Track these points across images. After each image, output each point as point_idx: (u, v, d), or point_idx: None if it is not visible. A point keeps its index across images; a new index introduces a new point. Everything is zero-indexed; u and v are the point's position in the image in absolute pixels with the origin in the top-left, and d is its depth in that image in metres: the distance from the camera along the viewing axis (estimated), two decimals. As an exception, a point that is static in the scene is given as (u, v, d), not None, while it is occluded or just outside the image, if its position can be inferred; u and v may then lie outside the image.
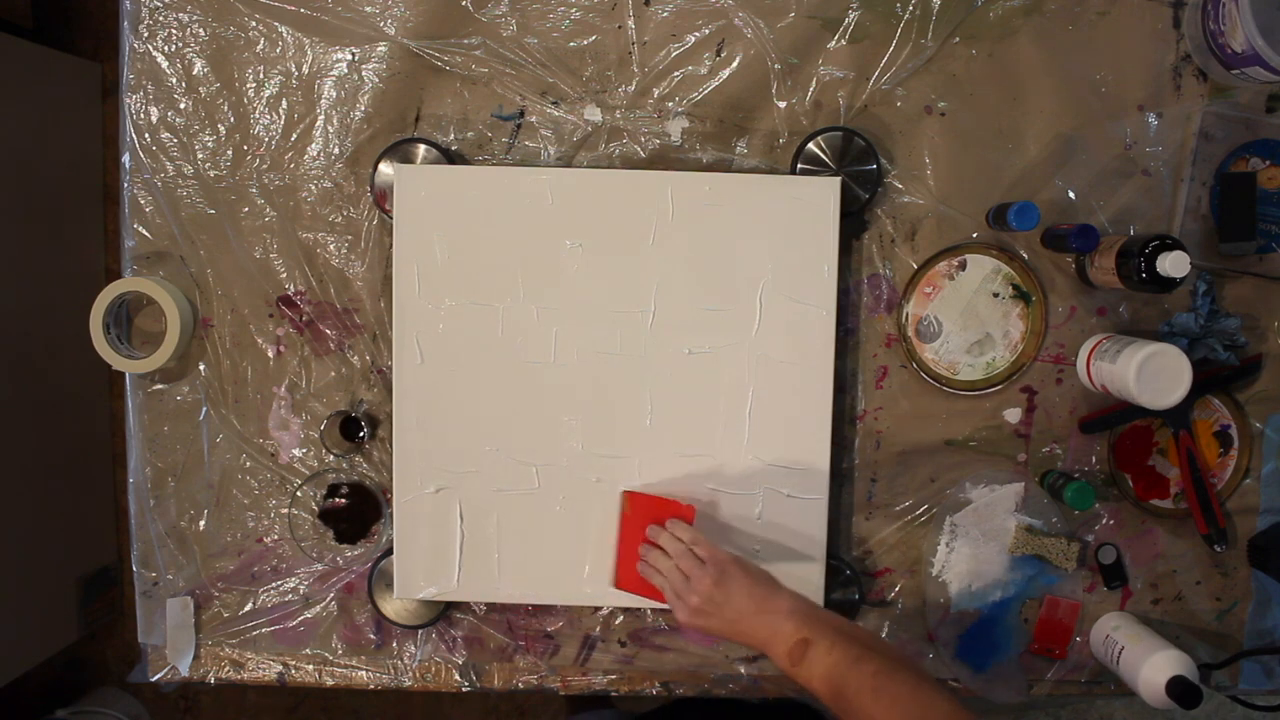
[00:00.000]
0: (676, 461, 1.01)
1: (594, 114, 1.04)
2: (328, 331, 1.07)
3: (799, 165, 1.01)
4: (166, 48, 1.06)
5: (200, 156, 1.07)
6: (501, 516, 1.03)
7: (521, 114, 1.05)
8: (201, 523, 1.10)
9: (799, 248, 0.99)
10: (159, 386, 1.09)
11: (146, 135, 1.06)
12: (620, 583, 0.99)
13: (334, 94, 1.05)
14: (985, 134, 1.03)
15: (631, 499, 0.99)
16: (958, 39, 1.02)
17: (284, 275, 1.07)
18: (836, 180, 0.99)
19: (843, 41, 1.02)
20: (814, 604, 0.88)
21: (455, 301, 1.01)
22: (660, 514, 0.97)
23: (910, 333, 1.04)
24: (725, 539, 1.02)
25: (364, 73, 1.05)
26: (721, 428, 1.01)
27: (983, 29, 1.02)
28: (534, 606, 1.08)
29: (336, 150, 1.06)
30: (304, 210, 1.06)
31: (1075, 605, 1.07)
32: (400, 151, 1.03)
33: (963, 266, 1.03)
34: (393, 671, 1.11)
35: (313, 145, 1.06)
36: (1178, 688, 0.94)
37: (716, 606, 0.88)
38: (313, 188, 1.06)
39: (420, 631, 1.10)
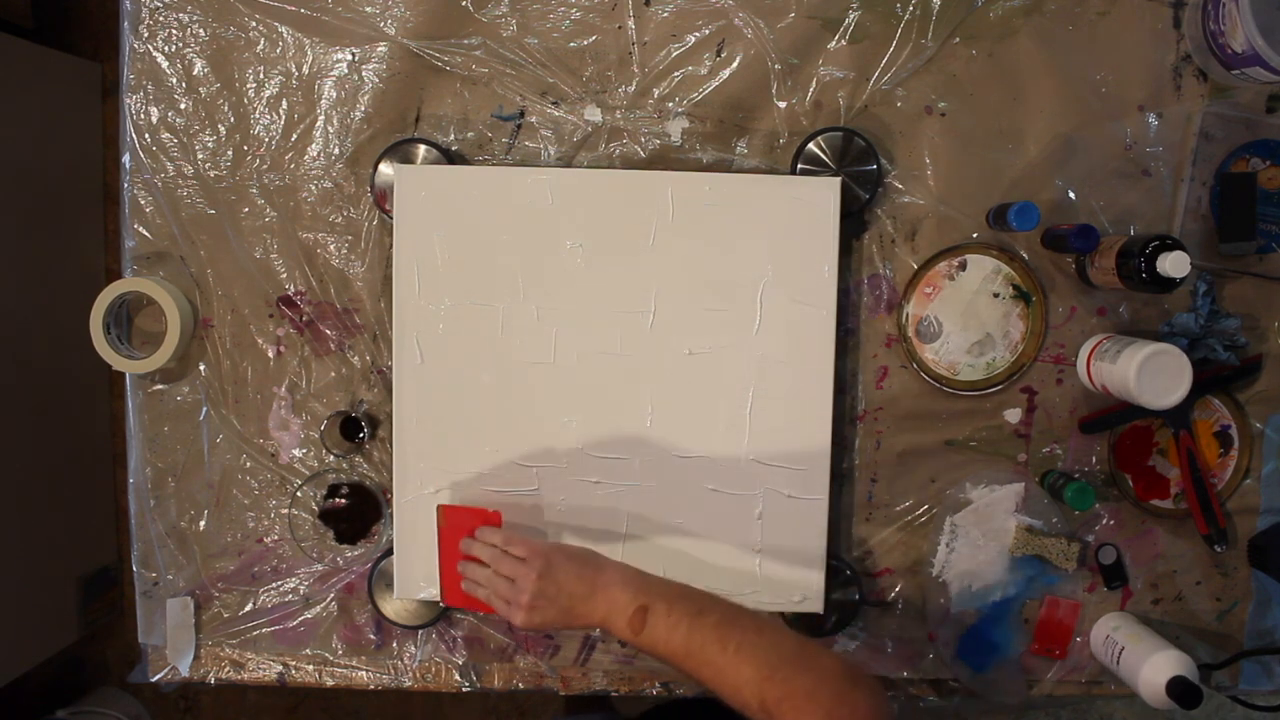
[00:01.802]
0: (677, 462, 1.01)
1: (594, 114, 1.04)
2: (328, 331, 1.07)
3: (799, 165, 1.01)
4: (166, 48, 1.06)
5: (200, 156, 1.07)
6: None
7: (521, 114, 1.05)
8: (201, 523, 1.10)
9: (799, 248, 0.99)
10: (159, 386, 1.10)
11: (146, 135, 1.06)
12: (448, 599, 0.99)
13: (334, 94, 1.05)
14: (985, 134, 1.03)
15: (444, 512, 0.98)
16: (958, 39, 1.02)
17: (284, 275, 1.07)
18: (837, 180, 0.99)
19: (843, 41, 1.02)
20: (644, 572, 0.86)
21: (455, 301, 1.01)
22: (471, 524, 0.96)
23: (910, 333, 1.04)
24: (725, 539, 1.02)
25: (364, 73, 1.05)
26: (722, 428, 1.01)
27: (983, 29, 1.02)
28: (534, 606, 1.08)
29: (336, 150, 1.06)
30: (304, 210, 1.06)
31: (1075, 605, 1.07)
32: (400, 151, 1.03)
33: (963, 267, 1.03)
34: (393, 672, 1.11)
35: (313, 145, 1.06)
36: (1178, 688, 0.94)
37: (549, 600, 0.85)
38: (313, 188, 1.06)
39: (420, 631, 1.10)
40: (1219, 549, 1.03)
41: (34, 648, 1.74)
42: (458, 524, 0.97)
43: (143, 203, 1.07)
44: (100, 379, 1.90)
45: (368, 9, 1.04)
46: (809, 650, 0.77)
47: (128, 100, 1.06)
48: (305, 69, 1.05)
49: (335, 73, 1.05)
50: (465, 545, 0.95)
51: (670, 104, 1.04)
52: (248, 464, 1.09)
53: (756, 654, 0.76)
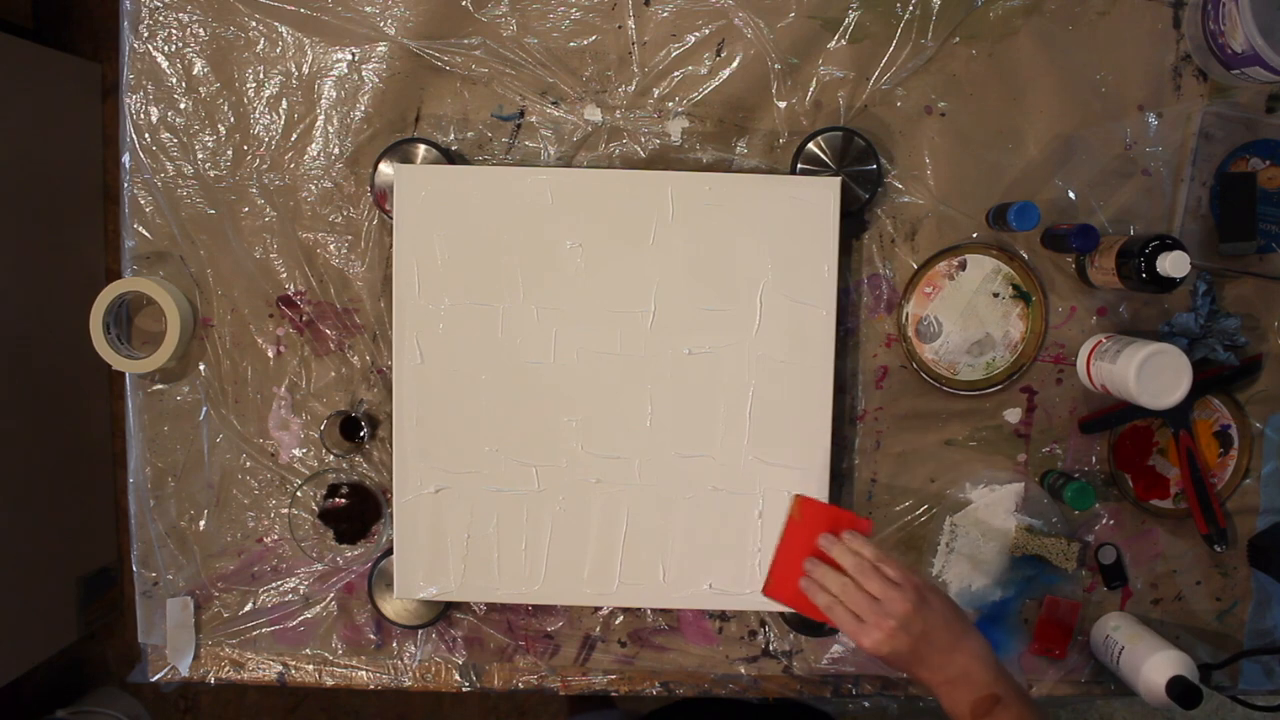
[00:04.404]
0: (676, 462, 1.01)
1: (594, 114, 1.04)
2: (328, 331, 1.07)
3: (799, 165, 1.01)
4: (166, 48, 1.06)
5: (200, 156, 1.07)
6: (501, 516, 1.03)
7: (521, 114, 1.05)
8: (201, 523, 1.10)
9: (799, 248, 0.99)
10: (159, 386, 1.10)
11: (146, 135, 1.06)
12: (772, 590, 0.92)
13: (334, 94, 1.05)
14: (985, 134, 1.03)
15: (802, 504, 0.93)
16: (958, 39, 1.02)
17: (284, 275, 1.07)
18: (836, 180, 0.99)
19: (843, 41, 1.02)
20: (996, 656, 0.82)
21: (455, 301, 1.01)
22: (833, 525, 0.91)
23: (910, 333, 1.04)
24: (725, 539, 1.02)
25: (364, 73, 1.05)
26: (721, 428, 1.01)
27: (983, 29, 1.02)
28: (534, 606, 1.08)
29: (336, 150, 1.06)
30: (304, 210, 1.07)
31: (1075, 605, 1.07)
32: (400, 151, 1.03)
33: (963, 266, 1.03)
34: (393, 671, 1.11)
35: (313, 145, 1.06)
36: (1178, 688, 0.94)
37: (911, 634, 0.80)
38: (313, 188, 1.06)
39: (420, 631, 1.10)
40: (1219, 549, 1.03)
41: (34, 648, 1.74)
42: (813, 519, 0.92)
43: (143, 203, 1.07)
44: (100, 379, 1.91)
45: (368, 9, 1.04)
46: None
47: (128, 100, 1.06)
48: (305, 69, 1.05)
49: (335, 73, 1.05)
50: (826, 543, 0.89)
51: (670, 104, 1.04)
52: (248, 464, 1.09)
53: None
